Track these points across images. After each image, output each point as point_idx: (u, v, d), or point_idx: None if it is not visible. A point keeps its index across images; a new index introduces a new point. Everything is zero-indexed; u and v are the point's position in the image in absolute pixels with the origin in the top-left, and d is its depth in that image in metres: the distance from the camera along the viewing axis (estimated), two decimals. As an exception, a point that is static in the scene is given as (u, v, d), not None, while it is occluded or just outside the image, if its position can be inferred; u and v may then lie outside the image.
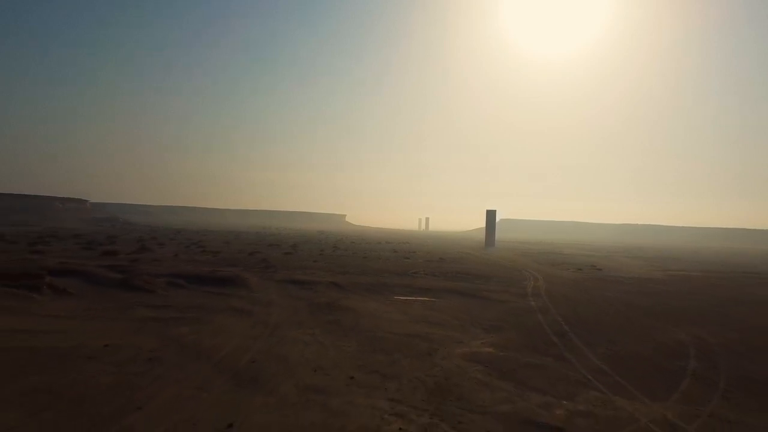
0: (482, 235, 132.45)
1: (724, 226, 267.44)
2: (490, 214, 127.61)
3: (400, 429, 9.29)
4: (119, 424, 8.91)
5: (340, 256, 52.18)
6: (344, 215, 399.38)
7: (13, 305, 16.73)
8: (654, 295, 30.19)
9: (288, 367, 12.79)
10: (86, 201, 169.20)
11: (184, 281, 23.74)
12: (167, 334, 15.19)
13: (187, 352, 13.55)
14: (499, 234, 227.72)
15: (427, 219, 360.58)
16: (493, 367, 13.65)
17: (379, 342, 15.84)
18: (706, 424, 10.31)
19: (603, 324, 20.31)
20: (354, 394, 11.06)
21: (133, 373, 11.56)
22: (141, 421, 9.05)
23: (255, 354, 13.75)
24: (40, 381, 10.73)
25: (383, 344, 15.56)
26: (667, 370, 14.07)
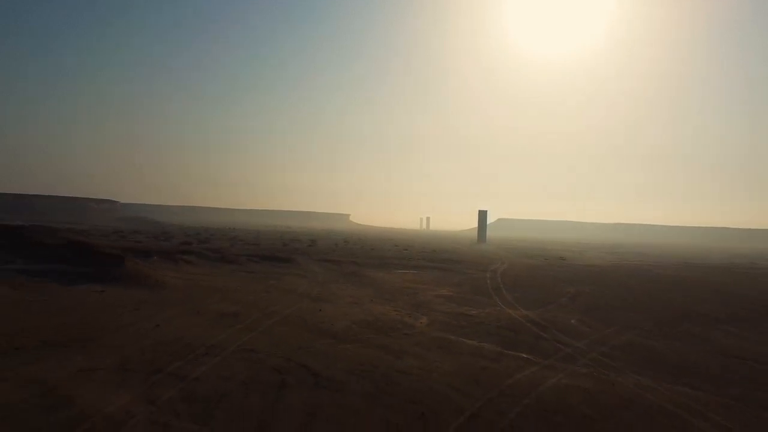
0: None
1: (738, 227, 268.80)
2: (482, 214, 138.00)
3: (396, 312, 19.67)
4: (270, 310, 19.22)
5: (352, 248, 62.59)
6: (348, 215, 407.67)
7: (172, 267, 27.12)
8: (579, 272, 40.47)
9: (337, 296, 23.18)
10: (117, 202, 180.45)
11: (257, 259, 34.14)
12: (264, 283, 25.63)
13: (281, 290, 23.95)
14: (496, 233, 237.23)
15: (428, 218, 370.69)
16: (449, 299, 24.02)
17: (385, 290, 26.21)
18: (546, 317, 20.60)
19: (526, 286, 30.63)
20: (374, 305, 21.45)
21: (261, 297, 21.96)
22: (278, 308, 19.38)
23: (317, 292, 24.15)
24: (223, 296, 21.15)
25: (388, 290, 25.94)
26: (545, 302, 24.38)
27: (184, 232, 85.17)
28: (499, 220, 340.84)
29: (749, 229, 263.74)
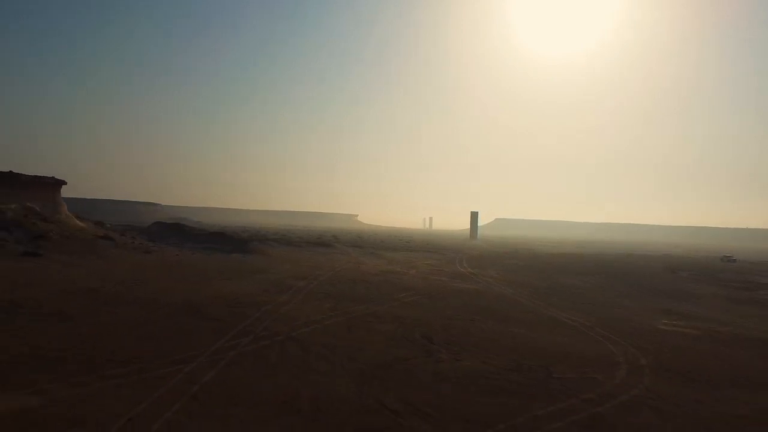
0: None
1: (748, 227, 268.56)
2: (474, 215, 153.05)
3: (400, 268, 34.76)
4: (334, 266, 34.34)
5: (367, 240, 77.75)
6: (356, 215, 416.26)
7: (265, 247, 42.39)
8: (527, 257, 55.21)
9: (366, 263, 38.26)
10: (158, 204, 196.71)
11: (311, 245, 49.27)
12: (324, 256, 40.78)
13: (335, 260, 39.09)
14: (493, 231, 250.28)
15: (431, 218, 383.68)
16: (430, 265, 39.04)
17: (394, 260, 41.27)
18: (480, 272, 35.60)
19: (481, 261, 45.56)
20: (387, 266, 36.53)
21: (326, 261, 37.08)
22: (338, 265, 34.47)
23: (355, 260, 39.25)
24: (306, 260, 36.32)
25: (395, 260, 40.99)
26: (486, 267, 39.28)
27: (236, 230, 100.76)
28: (496, 219, 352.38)
29: (761, 229, 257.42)
